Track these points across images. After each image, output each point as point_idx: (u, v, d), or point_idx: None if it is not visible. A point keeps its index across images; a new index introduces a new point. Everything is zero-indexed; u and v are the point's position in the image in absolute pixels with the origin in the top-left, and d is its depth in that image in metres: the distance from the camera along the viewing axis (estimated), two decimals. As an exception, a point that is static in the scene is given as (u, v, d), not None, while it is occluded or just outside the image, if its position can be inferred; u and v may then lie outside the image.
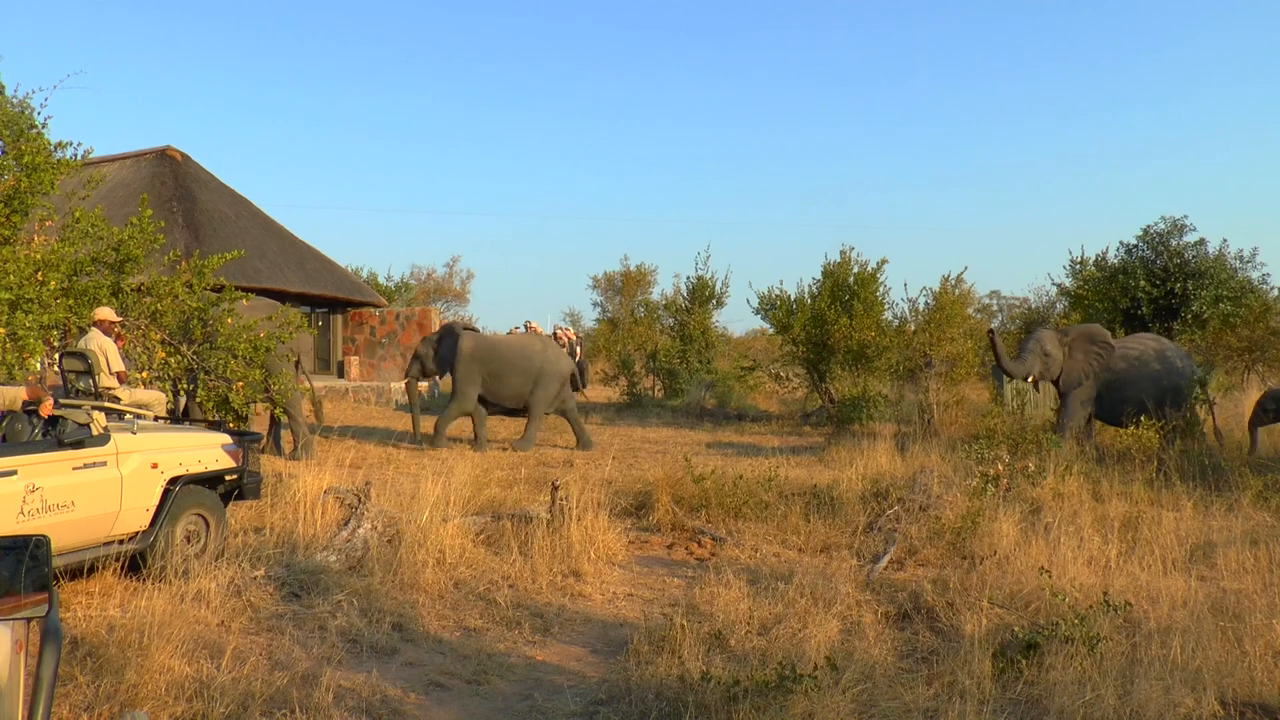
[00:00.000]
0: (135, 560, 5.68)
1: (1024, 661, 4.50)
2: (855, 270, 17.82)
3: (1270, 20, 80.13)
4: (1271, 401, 11.91)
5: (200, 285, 9.68)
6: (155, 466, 5.71)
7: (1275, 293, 20.19)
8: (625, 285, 37.67)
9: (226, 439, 6.40)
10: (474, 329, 14.01)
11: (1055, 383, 12.57)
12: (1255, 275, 19.49)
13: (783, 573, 6.33)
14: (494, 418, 14.73)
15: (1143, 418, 11.32)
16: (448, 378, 14.40)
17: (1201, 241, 19.06)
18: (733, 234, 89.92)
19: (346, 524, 6.82)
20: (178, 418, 8.43)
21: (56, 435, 5.11)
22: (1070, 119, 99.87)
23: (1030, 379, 12.39)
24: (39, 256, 8.38)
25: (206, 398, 9.37)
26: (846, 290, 17.62)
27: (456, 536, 6.69)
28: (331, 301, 24.32)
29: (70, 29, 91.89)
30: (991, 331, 13.27)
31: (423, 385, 16.53)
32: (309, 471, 8.68)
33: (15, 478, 4.82)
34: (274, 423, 11.90)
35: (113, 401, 7.14)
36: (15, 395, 5.21)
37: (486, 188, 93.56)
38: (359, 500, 7.20)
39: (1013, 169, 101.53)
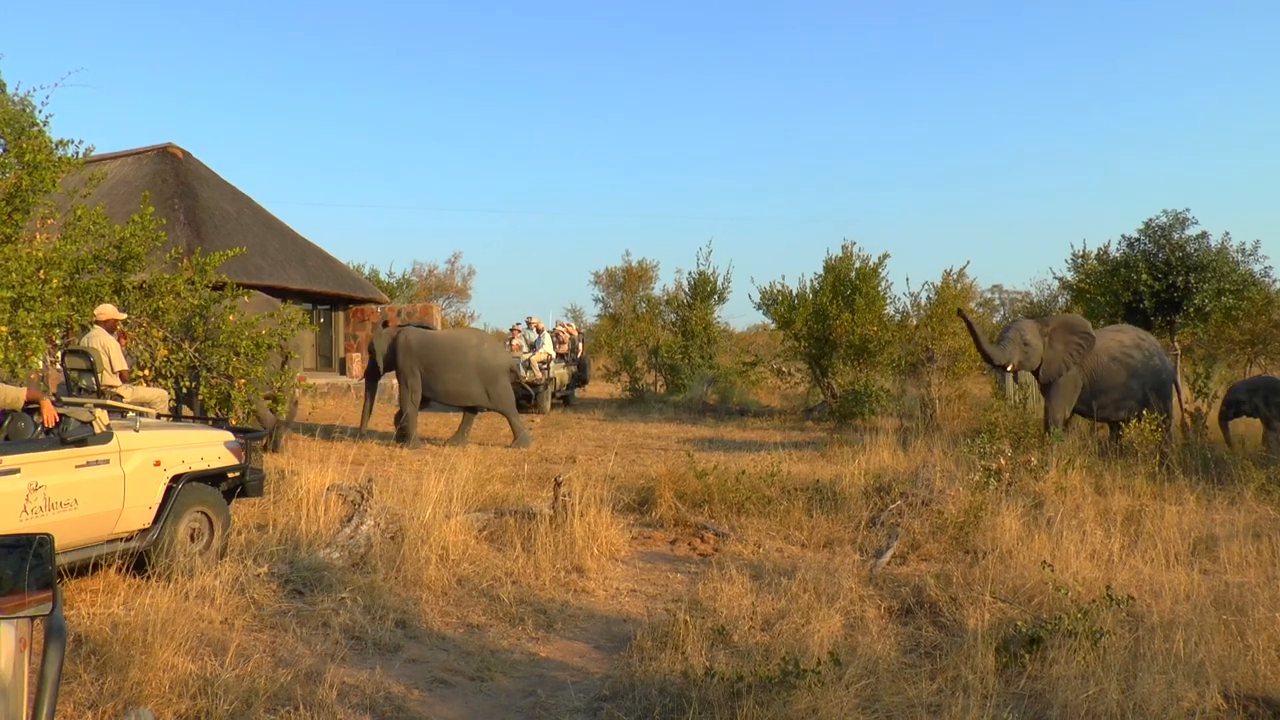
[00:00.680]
0: (139, 558, 5.69)
1: (1027, 656, 4.51)
2: (857, 265, 17.83)
3: (1274, 15, 79.96)
4: (1239, 394, 11.87)
5: (202, 283, 9.71)
6: (158, 464, 5.71)
7: (1278, 286, 20.13)
8: (627, 281, 37.74)
9: (229, 436, 6.41)
10: (428, 326, 13.98)
11: (1036, 373, 12.45)
12: (1258, 268, 19.41)
13: (785, 568, 6.33)
14: (494, 417, 14.74)
15: (1144, 411, 11.29)
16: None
17: (1203, 235, 18.99)
18: (734, 229, 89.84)
19: (349, 521, 6.82)
20: (180, 415, 8.44)
21: (59, 434, 5.11)
22: (1072, 113, 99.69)
23: (1010, 368, 12.26)
24: (41, 254, 8.39)
25: (208, 395, 9.39)
26: (848, 285, 17.63)
27: (459, 533, 6.69)
28: (333, 298, 24.36)
29: (71, 27, 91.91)
30: (961, 311, 12.94)
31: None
32: (311, 468, 8.69)
33: (18, 476, 4.82)
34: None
35: (115, 399, 7.14)
36: (17, 395, 5.21)
37: (488, 184, 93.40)
38: (362, 497, 7.20)
39: (1015, 163, 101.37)
